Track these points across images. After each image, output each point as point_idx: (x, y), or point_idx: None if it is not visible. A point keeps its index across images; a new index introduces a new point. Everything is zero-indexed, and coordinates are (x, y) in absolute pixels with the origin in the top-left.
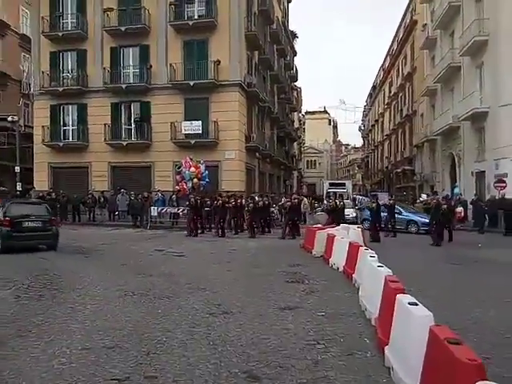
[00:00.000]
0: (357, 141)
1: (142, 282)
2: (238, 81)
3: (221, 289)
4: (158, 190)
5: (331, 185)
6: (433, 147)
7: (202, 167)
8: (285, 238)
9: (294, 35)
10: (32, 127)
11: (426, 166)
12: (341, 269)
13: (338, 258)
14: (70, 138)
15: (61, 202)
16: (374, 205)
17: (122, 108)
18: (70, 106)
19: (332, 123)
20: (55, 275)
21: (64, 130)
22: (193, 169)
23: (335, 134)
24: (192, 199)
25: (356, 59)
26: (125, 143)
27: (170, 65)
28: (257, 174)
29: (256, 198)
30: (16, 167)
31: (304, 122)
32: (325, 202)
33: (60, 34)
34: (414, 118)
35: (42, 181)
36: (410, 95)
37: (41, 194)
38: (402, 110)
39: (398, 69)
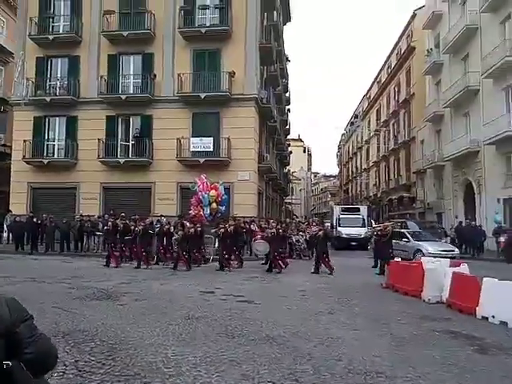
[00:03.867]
0: (327, 169)
1: (262, 360)
2: (254, 95)
3: (402, 373)
4: (161, 216)
5: (344, 210)
6: (439, 174)
7: (221, 189)
8: (224, 270)
9: (287, 58)
10: (6, 146)
11: (430, 193)
12: None
13: (501, 310)
14: (56, 154)
15: (47, 229)
16: None
17: (119, 122)
18: (58, 119)
19: (307, 151)
20: (112, 346)
21: (48, 146)
22: (213, 191)
23: (309, 161)
24: (110, 223)
25: (320, 91)
26: (122, 161)
27: (178, 75)
28: (264, 198)
29: (188, 224)
30: None
31: None
32: (338, 229)
33: (50, 37)
34: (413, 145)
35: (19, 203)
36: (406, 122)
37: (18, 219)
38: (395, 136)
39: (389, 96)
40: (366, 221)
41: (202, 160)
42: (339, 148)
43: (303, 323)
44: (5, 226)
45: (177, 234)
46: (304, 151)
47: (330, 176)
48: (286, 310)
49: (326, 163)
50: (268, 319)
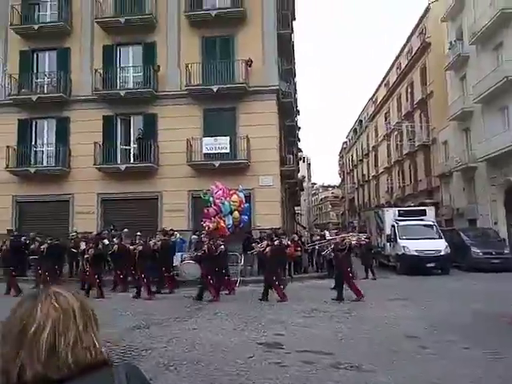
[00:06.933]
0: (324, 179)
1: None
2: (275, 86)
3: None
4: (171, 230)
5: (402, 214)
6: (469, 176)
7: (242, 195)
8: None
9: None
10: None
11: (457, 197)
12: None
13: None
14: (45, 162)
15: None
16: None
17: (119, 122)
18: (46, 121)
19: (306, 161)
20: None
21: (36, 152)
22: (235, 197)
23: (308, 171)
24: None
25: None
26: (122, 167)
27: (186, 66)
28: (284, 207)
29: (107, 240)
30: None
31: None
32: (400, 244)
33: (35, 27)
34: (433, 147)
35: (2, 220)
36: (422, 123)
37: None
38: (411, 139)
39: (400, 98)
40: (438, 229)
41: (216, 163)
42: (341, 157)
43: None
44: None
45: (87, 252)
46: (304, 161)
47: (329, 186)
48: None
49: (323, 174)
50: None
